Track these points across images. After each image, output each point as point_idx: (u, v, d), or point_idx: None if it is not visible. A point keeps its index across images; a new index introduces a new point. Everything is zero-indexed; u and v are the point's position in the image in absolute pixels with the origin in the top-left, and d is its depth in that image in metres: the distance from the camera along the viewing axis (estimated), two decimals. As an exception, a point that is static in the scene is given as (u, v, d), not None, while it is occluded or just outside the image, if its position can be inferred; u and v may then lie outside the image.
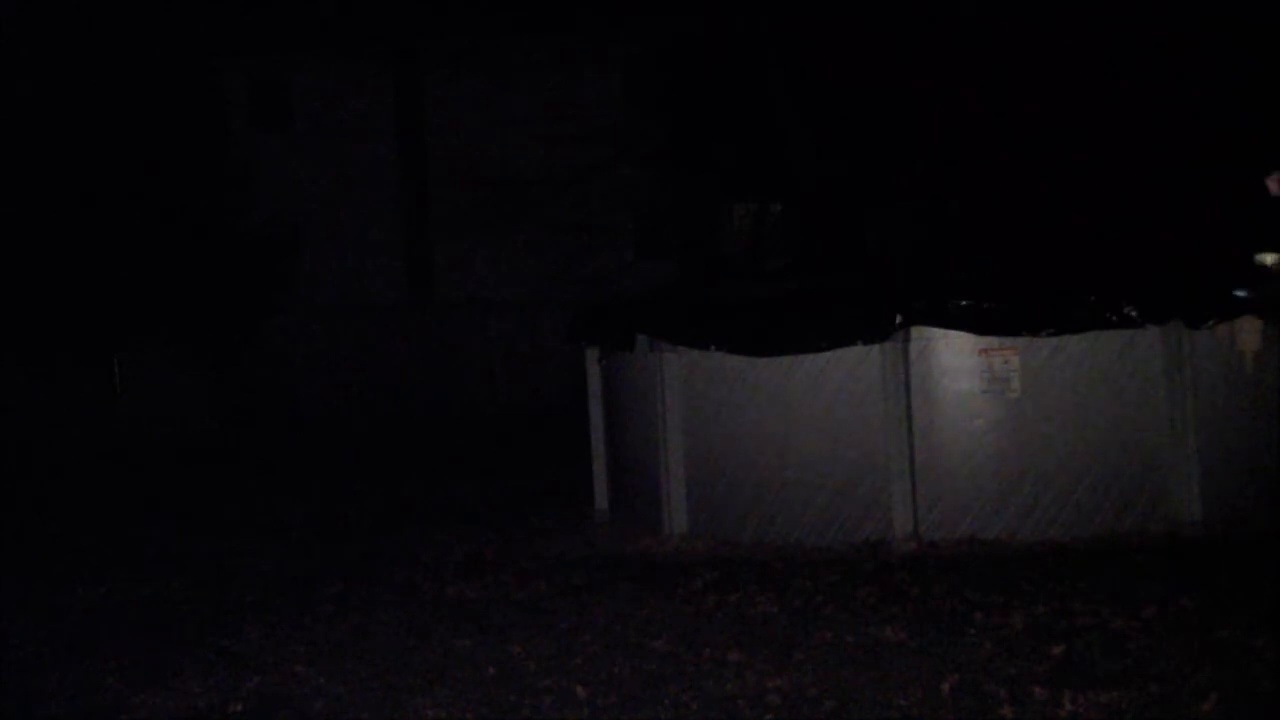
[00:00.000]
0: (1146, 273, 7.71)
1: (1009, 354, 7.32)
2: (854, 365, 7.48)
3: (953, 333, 7.38)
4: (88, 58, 18.33)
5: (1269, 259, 4.47)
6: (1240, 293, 7.47)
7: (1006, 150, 11.25)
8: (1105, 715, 4.49)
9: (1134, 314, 7.26)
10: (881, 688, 4.89)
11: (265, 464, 14.04)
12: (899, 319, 7.37)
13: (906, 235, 11.67)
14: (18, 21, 17.82)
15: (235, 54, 22.22)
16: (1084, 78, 11.23)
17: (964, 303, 7.35)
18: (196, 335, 18.36)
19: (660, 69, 18.99)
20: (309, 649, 5.97)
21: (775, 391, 7.68)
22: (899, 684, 4.93)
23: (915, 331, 7.40)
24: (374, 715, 5.02)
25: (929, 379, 7.42)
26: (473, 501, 10.44)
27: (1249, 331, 7.40)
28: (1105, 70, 11.23)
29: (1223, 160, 10.28)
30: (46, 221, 17.79)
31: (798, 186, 13.75)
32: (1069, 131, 11.12)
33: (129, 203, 18.15)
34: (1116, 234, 8.86)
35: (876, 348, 7.42)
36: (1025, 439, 7.34)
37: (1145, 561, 6.64)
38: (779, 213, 18.14)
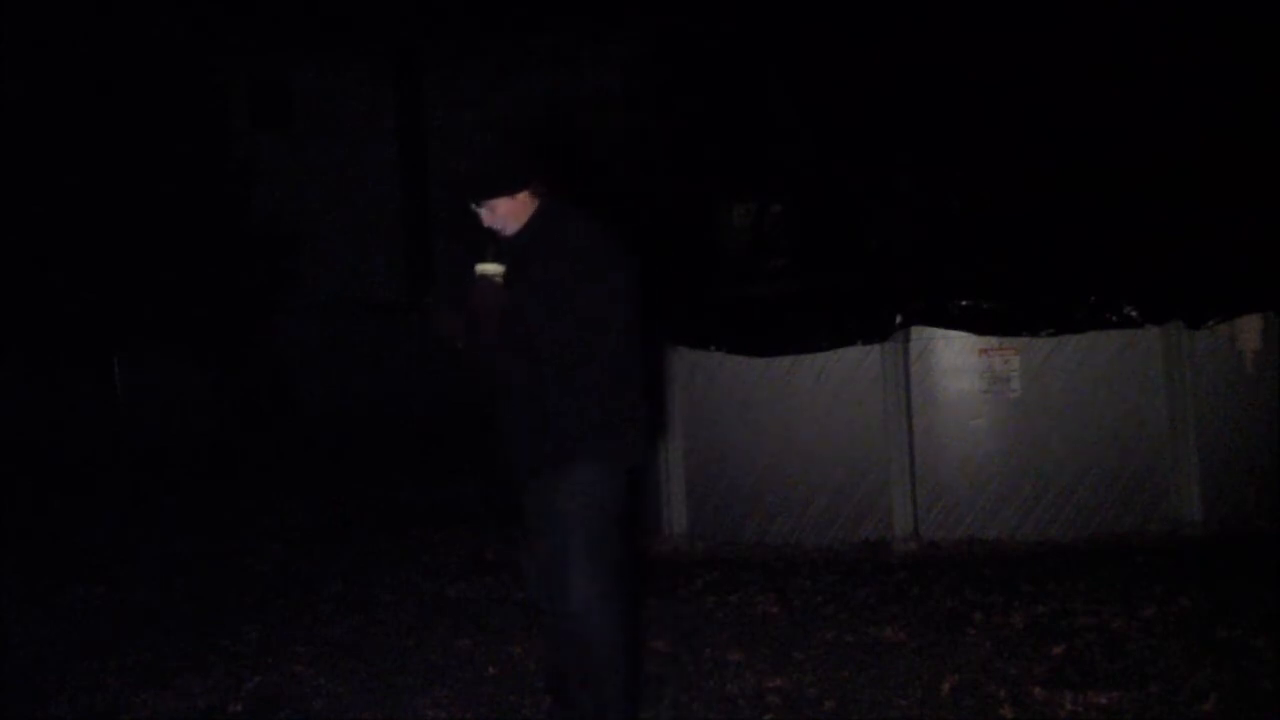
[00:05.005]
0: (1146, 273, 7.68)
1: (1009, 354, 7.32)
2: (854, 365, 7.48)
3: (953, 333, 7.38)
4: (88, 57, 18.34)
5: (489, 269, 4.30)
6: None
7: (1006, 151, 11.24)
8: (1105, 715, 4.49)
9: (1134, 314, 7.26)
10: (881, 688, 4.89)
11: (265, 463, 14.04)
12: (899, 319, 7.37)
13: (906, 235, 11.66)
14: (18, 21, 17.82)
15: (235, 54, 22.24)
16: (1083, 77, 11.22)
17: (964, 303, 7.35)
18: (197, 334, 18.35)
19: (660, 68, 18.97)
20: (309, 649, 5.98)
21: (775, 391, 7.67)
22: (899, 684, 4.93)
23: (915, 331, 7.40)
24: (374, 715, 5.03)
25: (929, 379, 7.42)
26: (473, 501, 10.43)
27: (1249, 331, 7.39)
28: (1104, 70, 11.22)
29: (1222, 160, 10.28)
30: (47, 221, 17.80)
31: (798, 186, 13.74)
32: (1069, 131, 11.12)
33: (129, 202, 18.16)
34: (1117, 234, 8.86)
35: (876, 348, 7.41)
36: (1025, 439, 7.34)
37: (1145, 561, 6.64)
38: (779, 213, 18.12)
